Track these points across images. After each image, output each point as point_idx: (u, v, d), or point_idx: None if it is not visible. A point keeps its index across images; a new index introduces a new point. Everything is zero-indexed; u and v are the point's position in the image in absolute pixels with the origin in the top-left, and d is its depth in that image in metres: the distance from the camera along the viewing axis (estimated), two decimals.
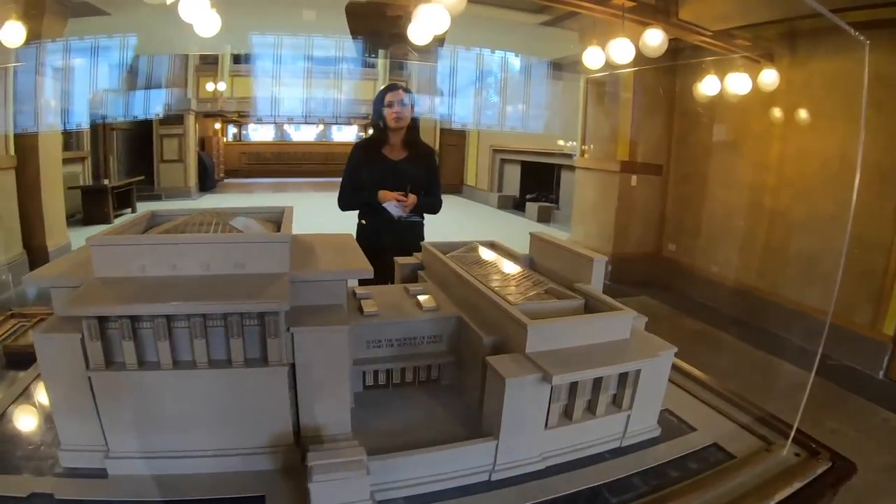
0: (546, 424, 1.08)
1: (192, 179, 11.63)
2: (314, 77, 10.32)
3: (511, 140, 10.16)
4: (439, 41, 3.81)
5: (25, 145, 4.02)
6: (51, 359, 1.04)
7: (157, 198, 10.73)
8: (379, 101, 2.63)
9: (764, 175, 4.36)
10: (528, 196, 10.10)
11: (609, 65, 3.33)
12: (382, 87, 2.69)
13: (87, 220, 7.13)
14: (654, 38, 2.93)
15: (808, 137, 4.05)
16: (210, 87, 10.53)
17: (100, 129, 8.83)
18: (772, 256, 4.35)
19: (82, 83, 5.90)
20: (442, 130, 12.39)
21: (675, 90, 5.14)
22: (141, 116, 9.38)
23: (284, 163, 15.40)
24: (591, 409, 1.16)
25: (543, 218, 9.16)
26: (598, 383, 1.13)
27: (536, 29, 5.31)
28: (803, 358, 3.56)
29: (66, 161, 7.17)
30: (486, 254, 1.68)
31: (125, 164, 10.09)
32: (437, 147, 12.33)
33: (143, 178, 9.45)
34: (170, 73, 9.72)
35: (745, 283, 4.54)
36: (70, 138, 7.64)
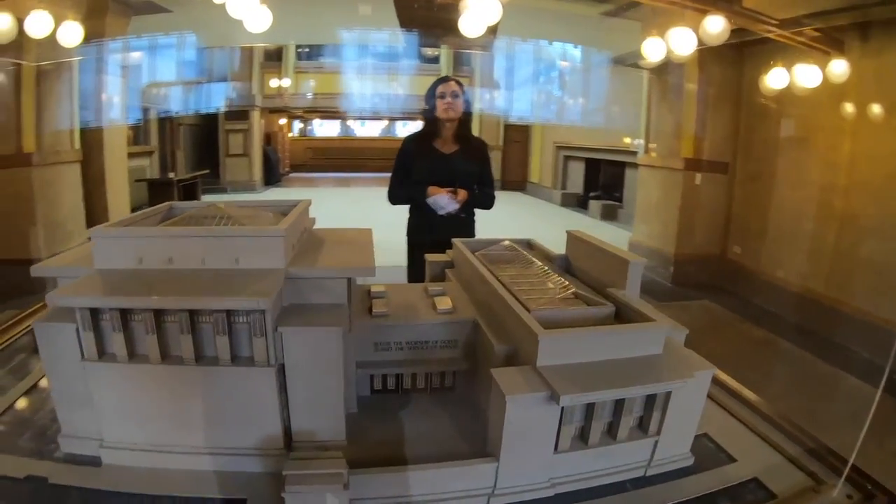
0: (556, 448, 0.94)
1: (257, 173, 12.06)
2: (376, 73, 10.41)
3: (575, 136, 9.85)
4: (491, 31, 3.67)
5: (91, 139, 4.23)
6: (50, 347, 1.02)
7: (223, 191, 11.21)
8: (431, 93, 2.52)
9: (834, 174, 3.94)
10: (591, 194, 9.80)
11: (670, 56, 3.07)
12: (435, 79, 2.58)
13: None
14: (716, 25, 2.65)
15: (882, 133, 3.61)
16: (274, 83, 10.85)
17: (167, 124, 9.28)
18: (842, 262, 3.93)
19: (145, 79, 6.17)
20: (506, 126, 12.21)
21: (742, 83, 4.75)
22: (205, 111, 9.76)
23: (349, 158, 15.59)
24: (611, 432, 1.01)
25: (607, 216, 8.88)
26: (620, 405, 0.98)
27: (598, 20, 5.05)
28: (871, 372, 3.17)
29: (133, 155, 7.59)
30: (517, 253, 1.54)
31: (192, 158, 10.58)
32: (500, 143, 12.21)
33: (208, 171, 9.88)
34: (234, 70, 10.08)
35: (813, 290, 4.13)
36: (138, 133, 8.06)
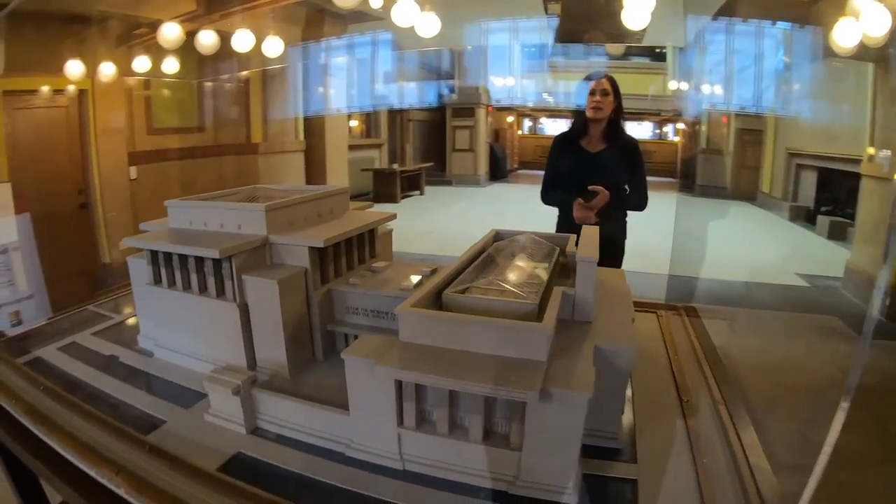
0: (400, 422, 1.09)
1: (482, 168, 13.27)
2: (600, 71, 10.48)
3: (809, 142, 8.56)
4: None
5: (314, 132, 5.51)
6: (135, 274, 1.63)
7: (448, 183, 12.70)
8: (581, 90, 2.69)
9: None
10: (822, 208, 8.45)
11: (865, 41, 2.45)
12: (586, 76, 2.74)
13: (377, 199, 9.11)
14: None
15: None
16: (500, 81, 11.75)
17: (397, 119, 10.99)
18: None
19: (367, 79, 7.45)
20: (738, 130, 11.09)
21: None
22: (430, 106, 11.19)
23: None
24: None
25: (834, 235, 7.67)
26: (469, 400, 1.05)
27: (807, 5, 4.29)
28: None
29: (363, 147, 9.29)
30: (527, 246, 1.63)
31: (420, 151, 12.29)
32: (730, 148, 11.25)
33: (432, 164, 11.35)
34: (461, 68, 11.29)
35: None
36: (369, 127, 9.81)
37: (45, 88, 3.73)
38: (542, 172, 2.83)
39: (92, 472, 1.07)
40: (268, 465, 1.13)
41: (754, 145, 10.96)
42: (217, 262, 1.41)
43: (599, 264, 1.65)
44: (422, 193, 10.82)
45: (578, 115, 2.68)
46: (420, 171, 10.32)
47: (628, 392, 1.41)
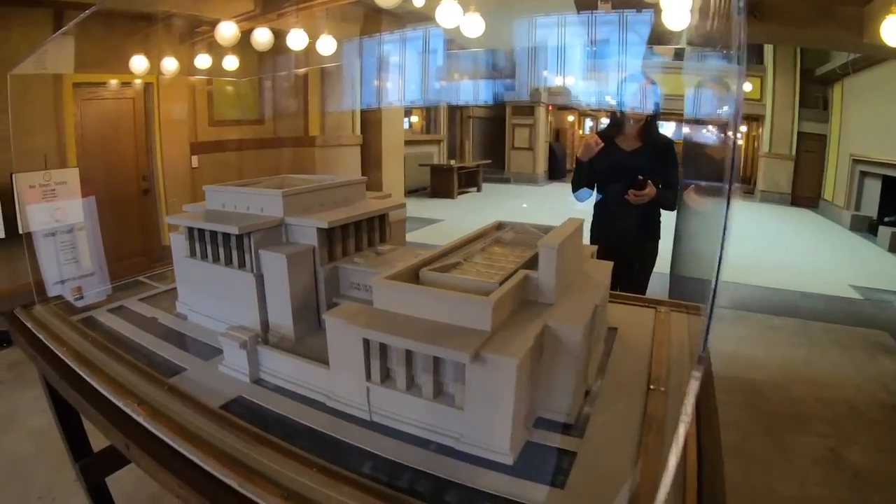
0: (368, 377, 1.25)
1: (541, 167, 13.23)
2: (663, 72, 10.23)
3: (875, 148, 8.02)
4: None
5: (371, 127, 5.74)
6: (176, 248, 1.90)
7: (506, 181, 12.76)
8: (626, 90, 2.83)
9: None
10: (886, 218, 8.07)
11: None
12: (629, 75, 2.88)
13: (434, 194, 9.35)
14: None
15: None
16: (559, 81, 11.63)
17: (457, 115, 11.16)
18: None
19: (420, 73, 7.57)
20: (801, 135, 10.51)
21: None
22: (490, 104, 11.25)
23: None
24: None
25: None
26: (422, 360, 1.20)
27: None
28: None
29: (422, 142, 9.53)
30: (520, 236, 1.76)
31: (480, 148, 12.41)
32: (792, 153, 10.68)
33: (489, 161, 11.46)
34: (519, 67, 11.27)
35: None
36: (429, 123, 10.04)
37: (113, 81, 4.18)
38: None
39: (119, 403, 1.32)
40: (262, 407, 1.33)
41: (817, 151, 10.36)
42: (239, 238, 1.64)
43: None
44: (479, 190, 10.95)
45: (615, 114, 2.80)
46: (478, 167, 10.46)
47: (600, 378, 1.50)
